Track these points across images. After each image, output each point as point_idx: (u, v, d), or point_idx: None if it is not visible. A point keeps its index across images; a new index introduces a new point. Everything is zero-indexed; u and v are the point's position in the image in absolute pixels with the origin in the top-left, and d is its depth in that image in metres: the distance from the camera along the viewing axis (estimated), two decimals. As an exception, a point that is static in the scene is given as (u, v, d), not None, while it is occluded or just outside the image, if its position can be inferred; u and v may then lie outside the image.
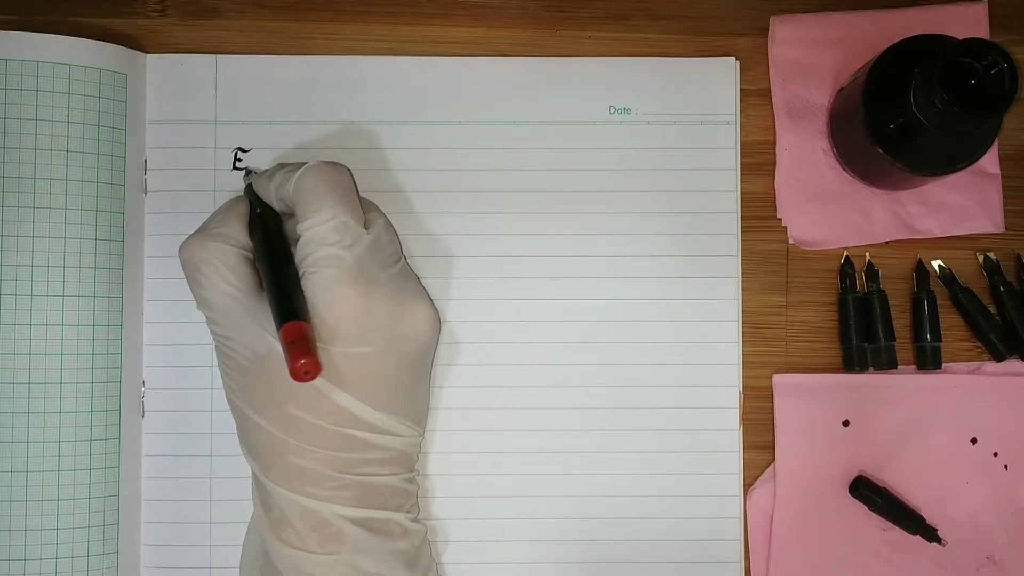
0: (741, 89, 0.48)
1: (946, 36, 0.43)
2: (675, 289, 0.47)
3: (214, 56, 0.47)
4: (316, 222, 0.40)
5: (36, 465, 0.44)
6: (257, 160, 0.47)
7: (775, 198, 0.48)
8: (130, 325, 0.46)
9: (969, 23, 0.48)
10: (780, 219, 0.48)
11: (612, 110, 0.48)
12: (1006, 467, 0.47)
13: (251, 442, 0.41)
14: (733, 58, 0.48)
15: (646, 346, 0.47)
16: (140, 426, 0.46)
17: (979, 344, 0.48)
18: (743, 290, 0.48)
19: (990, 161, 0.48)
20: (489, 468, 0.47)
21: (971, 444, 0.47)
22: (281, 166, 0.43)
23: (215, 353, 0.43)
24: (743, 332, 0.47)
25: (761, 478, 0.47)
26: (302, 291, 0.40)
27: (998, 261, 0.48)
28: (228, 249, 0.41)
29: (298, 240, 0.41)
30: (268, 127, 0.47)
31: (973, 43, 0.39)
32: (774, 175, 0.48)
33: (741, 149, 0.48)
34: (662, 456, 0.47)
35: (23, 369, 0.44)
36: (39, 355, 0.44)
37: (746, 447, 0.47)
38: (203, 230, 0.42)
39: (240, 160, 0.47)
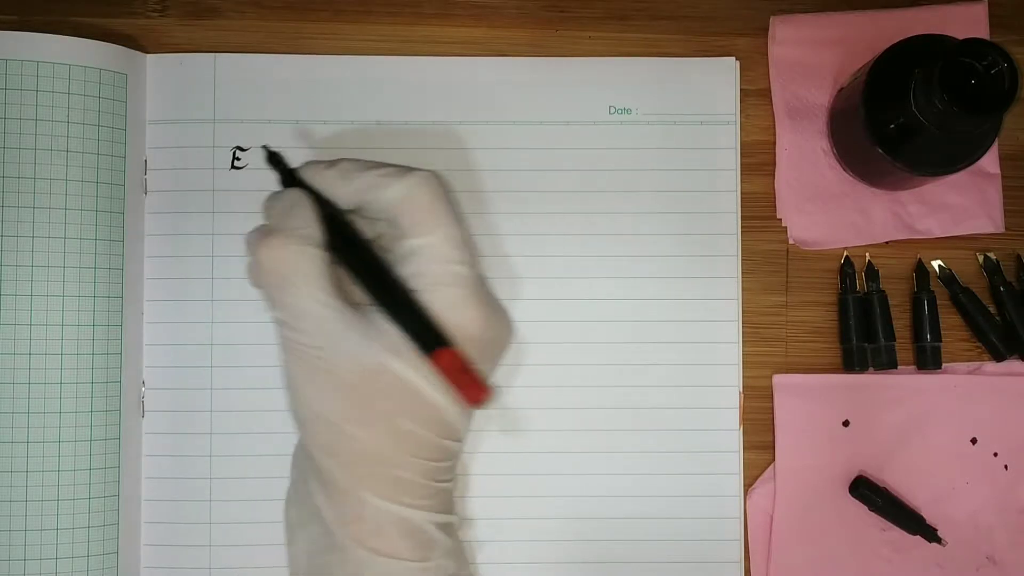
0: (741, 89, 0.48)
1: (946, 36, 0.43)
2: (675, 289, 0.47)
3: (213, 55, 0.47)
4: (438, 239, 0.39)
5: (36, 465, 0.44)
6: (257, 160, 0.47)
7: (775, 198, 0.48)
8: (130, 325, 0.46)
9: (969, 23, 0.48)
10: (780, 219, 0.48)
11: (612, 110, 0.48)
12: (1006, 467, 0.47)
13: (347, 456, 0.39)
14: (733, 58, 0.48)
15: (646, 346, 0.47)
16: (140, 426, 0.46)
17: (979, 344, 0.48)
18: (743, 290, 0.48)
19: (990, 161, 0.48)
20: (488, 468, 0.47)
21: (971, 444, 0.47)
22: (355, 162, 0.41)
23: (299, 366, 0.39)
24: (743, 332, 0.47)
25: (761, 478, 0.47)
26: (420, 307, 0.39)
27: (998, 261, 0.48)
28: (318, 255, 0.38)
29: (403, 251, 0.40)
30: (268, 126, 0.47)
31: (973, 43, 0.39)
32: (774, 175, 0.48)
33: (741, 149, 0.48)
34: (662, 456, 0.47)
35: (23, 369, 0.44)
36: (39, 355, 0.44)
37: (746, 447, 0.47)
38: (284, 233, 0.38)
39: (239, 159, 0.47)
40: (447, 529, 0.41)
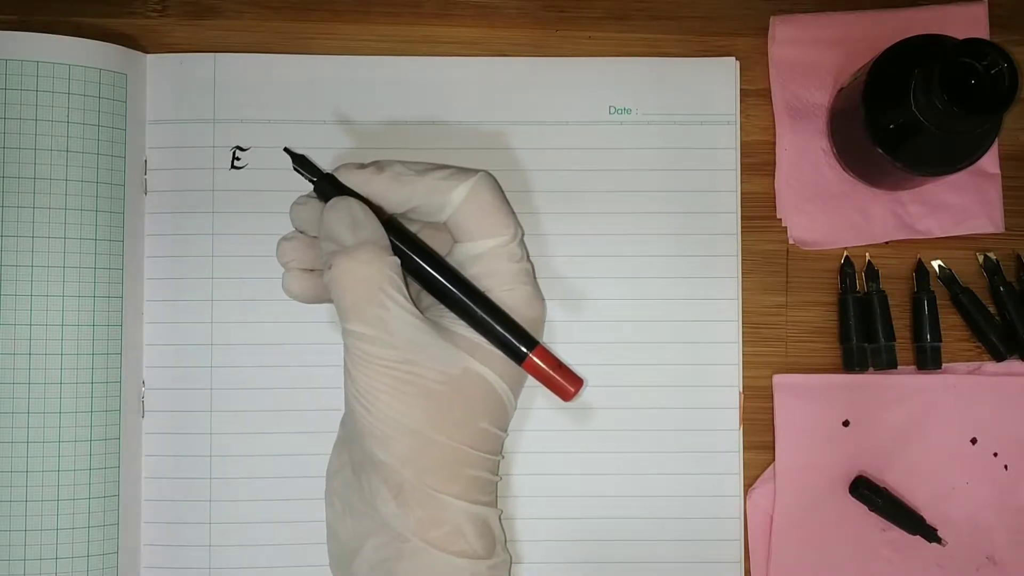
0: (741, 89, 0.48)
1: (946, 36, 0.43)
2: (675, 289, 0.47)
3: (213, 55, 0.47)
4: (506, 240, 0.41)
5: (36, 465, 0.44)
6: (257, 159, 0.47)
7: (775, 198, 0.48)
8: (130, 325, 0.46)
9: (969, 23, 0.48)
10: (780, 219, 0.48)
11: (612, 110, 0.48)
12: (1006, 467, 0.47)
13: (426, 462, 0.39)
14: (733, 58, 0.48)
15: (646, 346, 0.47)
16: (140, 426, 0.46)
17: (979, 344, 0.48)
18: (743, 290, 0.48)
19: (990, 161, 0.48)
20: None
21: (971, 444, 0.47)
22: (409, 165, 0.41)
23: (377, 379, 0.38)
24: (743, 332, 0.47)
25: (761, 478, 0.47)
26: (503, 309, 0.41)
27: (998, 261, 0.48)
28: (398, 265, 0.38)
29: (468, 253, 0.41)
30: (267, 126, 0.47)
31: (973, 43, 0.39)
32: (774, 175, 0.48)
33: (741, 149, 0.48)
34: (662, 456, 0.47)
35: (23, 369, 0.44)
36: (39, 355, 0.44)
37: (746, 447, 0.47)
38: (366, 243, 0.38)
39: (239, 159, 0.47)
40: (499, 522, 0.42)
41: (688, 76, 0.48)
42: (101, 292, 0.45)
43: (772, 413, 0.47)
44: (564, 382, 0.41)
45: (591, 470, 0.47)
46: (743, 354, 0.47)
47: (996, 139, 0.44)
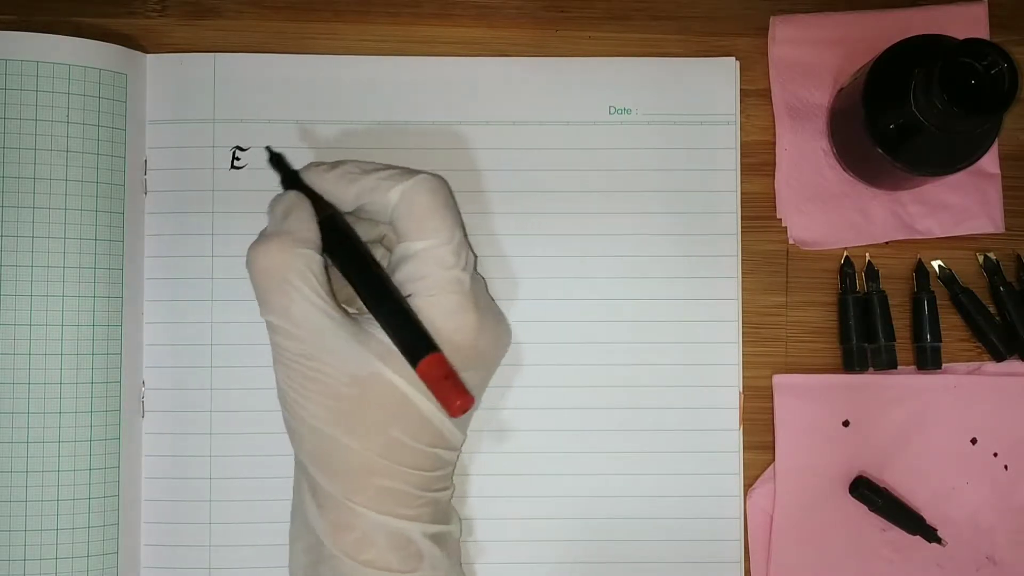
0: (741, 89, 0.48)
1: (946, 36, 0.43)
2: (675, 289, 0.47)
3: (213, 55, 0.47)
4: (437, 243, 0.39)
5: (36, 465, 0.44)
6: (257, 160, 0.47)
7: (775, 198, 0.48)
8: (130, 325, 0.46)
9: (969, 23, 0.48)
10: (780, 219, 0.48)
11: (612, 110, 0.48)
12: (1006, 467, 0.47)
13: (336, 466, 0.39)
14: (733, 58, 0.48)
15: (646, 346, 0.47)
16: (140, 426, 0.46)
17: (979, 344, 0.48)
18: (743, 290, 0.48)
19: (990, 161, 0.48)
20: (488, 468, 0.47)
21: (971, 444, 0.47)
22: (359, 164, 0.41)
23: (286, 374, 0.39)
24: (743, 332, 0.47)
25: (761, 478, 0.47)
26: (414, 313, 0.38)
27: (998, 261, 0.48)
28: (316, 258, 0.38)
29: (400, 255, 0.39)
30: (267, 126, 0.47)
31: (973, 43, 0.39)
32: (774, 175, 0.48)
33: (741, 149, 0.48)
34: (662, 456, 0.47)
35: (23, 369, 0.44)
36: (39, 355, 0.44)
37: (746, 447, 0.47)
38: (282, 234, 0.38)
39: (239, 159, 0.47)
40: (439, 540, 0.41)
41: (688, 76, 0.48)
42: (101, 292, 0.45)
43: (772, 413, 0.47)
44: (450, 396, 0.36)
45: (591, 470, 0.47)
46: (743, 354, 0.47)
47: (996, 139, 0.44)
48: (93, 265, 0.45)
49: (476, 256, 0.43)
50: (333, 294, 0.39)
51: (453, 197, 0.41)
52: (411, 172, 0.40)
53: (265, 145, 0.43)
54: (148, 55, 0.47)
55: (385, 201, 0.39)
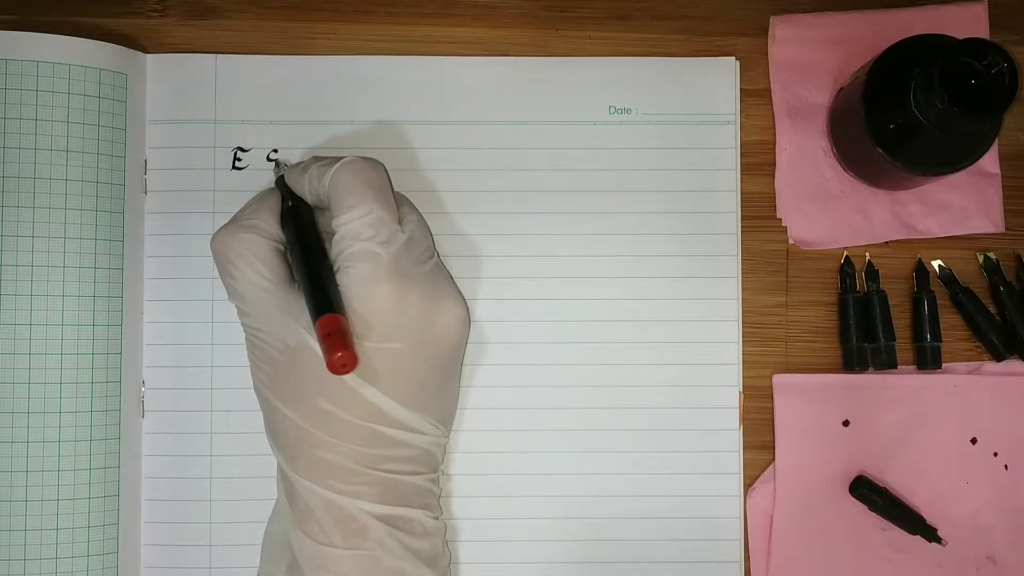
0: (741, 89, 0.48)
1: (946, 36, 0.43)
2: (675, 289, 0.47)
3: (214, 56, 0.47)
4: (352, 217, 0.40)
5: (36, 465, 0.44)
6: (256, 160, 0.47)
7: (775, 198, 0.48)
8: (130, 325, 0.46)
9: (969, 23, 0.48)
10: (780, 219, 0.48)
11: (612, 110, 0.48)
12: (1006, 467, 0.47)
13: (278, 433, 0.41)
14: (733, 58, 0.48)
15: (646, 346, 0.47)
16: (140, 426, 0.46)
17: (979, 344, 0.48)
18: (743, 290, 0.48)
19: (990, 161, 0.48)
20: (488, 468, 0.47)
21: (971, 444, 0.47)
22: (316, 159, 0.43)
23: (246, 344, 0.42)
24: (743, 332, 0.47)
25: (761, 478, 0.47)
26: (337, 285, 0.40)
27: (998, 261, 0.48)
28: (260, 240, 0.41)
29: (333, 235, 0.41)
30: (268, 127, 0.47)
31: (973, 43, 0.39)
32: (774, 175, 0.48)
33: (741, 149, 0.48)
34: (662, 456, 0.47)
35: (23, 369, 0.44)
36: (39, 355, 0.44)
37: (746, 447, 0.47)
38: (235, 221, 0.42)
39: (240, 160, 0.47)
40: (392, 522, 0.41)
41: (688, 76, 0.48)
42: (101, 292, 0.45)
43: (772, 413, 0.47)
44: (331, 350, 0.37)
45: (591, 470, 0.47)
46: (743, 354, 0.47)
47: (996, 139, 0.44)
48: (93, 265, 0.45)
49: (432, 237, 0.44)
50: (288, 274, 0.42)
51: (383, 177, 0.42)
52: (346, 158, 0.42)
53: (272, 149, 0.46)
54: (148, 55, 0.47)
55: (322, 187, 0.42)
